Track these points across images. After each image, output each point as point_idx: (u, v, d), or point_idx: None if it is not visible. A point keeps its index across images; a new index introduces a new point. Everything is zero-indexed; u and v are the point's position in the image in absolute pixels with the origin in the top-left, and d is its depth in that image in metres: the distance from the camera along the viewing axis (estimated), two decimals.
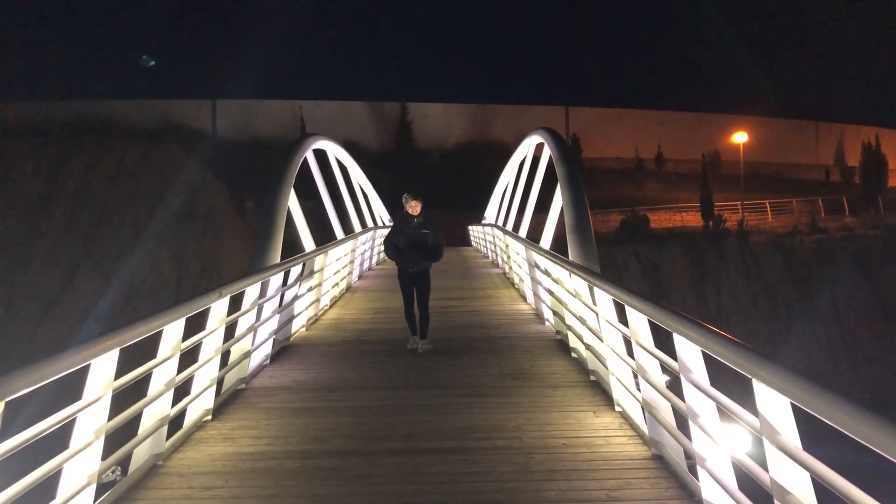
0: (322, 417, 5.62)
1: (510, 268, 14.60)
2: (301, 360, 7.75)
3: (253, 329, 6.78)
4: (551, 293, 8.86)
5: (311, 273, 10.02)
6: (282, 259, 8.40)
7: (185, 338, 4.96)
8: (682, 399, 3.98)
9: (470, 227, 28.99)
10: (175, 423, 4.92)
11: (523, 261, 11.71)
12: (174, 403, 4.88)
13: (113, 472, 4.21)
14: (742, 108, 59.97)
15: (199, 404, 5.49)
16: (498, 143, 50.55)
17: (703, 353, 3.73)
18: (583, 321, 6.79)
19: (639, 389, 4.98)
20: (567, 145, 11.74)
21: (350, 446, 4.93)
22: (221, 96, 52.64)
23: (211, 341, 5.66)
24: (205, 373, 5.50)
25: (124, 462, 4.29)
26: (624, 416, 5.39)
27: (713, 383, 3.76)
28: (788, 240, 35.33)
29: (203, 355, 5.57)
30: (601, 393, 6.08)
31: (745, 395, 3.26)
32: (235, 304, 6.28)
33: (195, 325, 5.33)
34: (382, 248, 20.18)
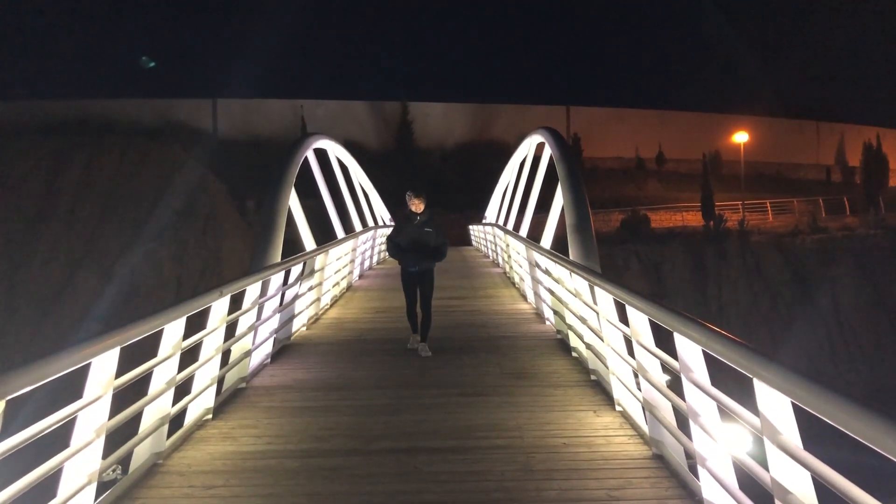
0: (323, 416, 5.62)
1: (511, 267, 14.60)
2: (302, 359, 7.75)
3: (253, 328, 6.78)
4: (552, 292, 8.86)
5: (312, 272, 10.02)
6: (282, 258, 8.40)
7: (185, 337, 4.96)
8: (683, 398, 3.98)
9: (470, 227, 29.00)
10: (176, 421, 4.92)
11: (524, 260, 11.71)
12: (175, 402, 4.88)
13: (113, 470, 4.21)
14: (743, 107, 59.97)
15: (200, 403, 5.49)
16: (499, 143, 50.55)
17: (704, 352, 3.73)
18: (583, 320, 6.79)
19: (639, 389, 4.98)
20: (568, 145, 11.74)
21: (350, 445, 4.93)
22: (222, 95, 52.68)
23: (211, 340, 5.66)
24: (205, 372, 5.50)
25: (125, 461, 4.29)
26: (624, 415, 5.39)
27: (714, 383, 3.76)
28: (789, 240, 35.32)
29: (204, 354, 5.57)
30: (602, 392, 6.08)
31: (745, 395, 3.26)
32: (236, 303, 6.28)
33: (196, 324, 5.33)
34: (383, 247, 20.28)
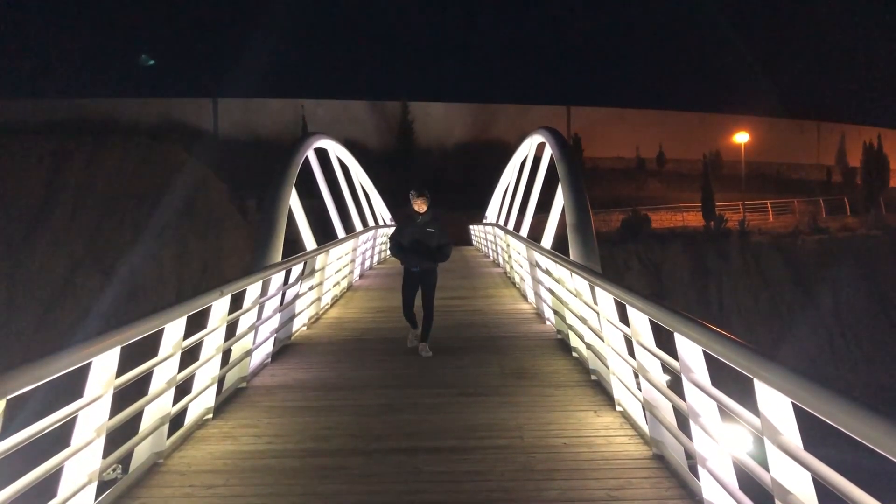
0: (323, 416, 5.62)
1: (511, 267, 14.60)
2: (302, 358, 7.75)
3: (254, 328, 6.78)
4: (552, 293, 8.85)
5: (313, 272, 10.02)
6: (283, 258, 8.40)
7: (186, 336, 4.96)
8: (683, 399, 3.98)
9: (471, 227, 28.99)
10: (176, 421, 4.92)
11: (524, 260, 11.71)
12: (175, 402, 4.88)
13: (114, 470, 4.21)
14: (743, 107, 60.00)
15: (200, 403, 5.49)
16: (499, 143, 50.57)
17: (704, 352, 3.73)
18: (584, 320, 6.78)
19: (640, 389, 4.98)
20: (568, 145, 11.74)
21: (351, 445, 4.93)
22: (223, 95, 52.69)
23: (212, 340, 5.66)
24: (206, 371, 5.50)
25: (125, 460, 4.29)
26: (625, 415, 5.39)
27: (714, 383, 3.76)
28: (790, 240, 35.32)
29: (204, 354, 5.57)
30: (602, 392, 6.08)
31: (746, 395, 3.26)
32: (236, 302, 6.28)
33: (196, 323, 5.33)
34: (384, 246, 20.28)
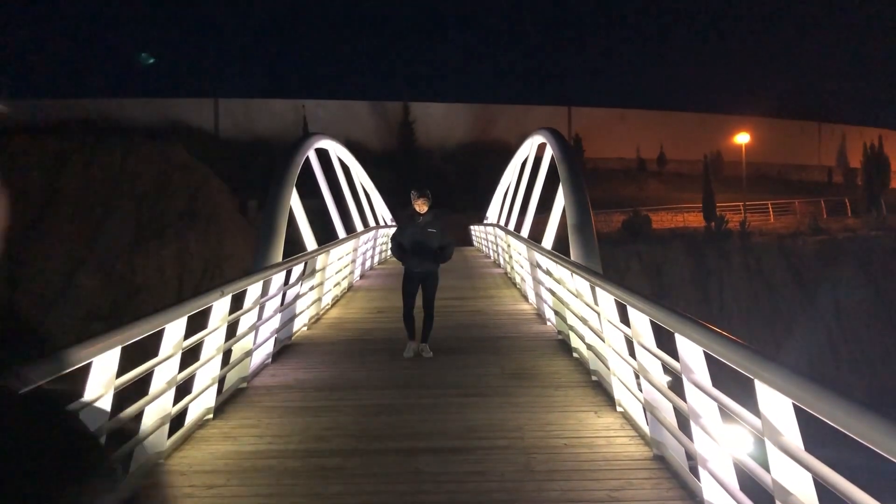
0: (323, 416, 5.62)
1: (512, 267, 14.60)
2: (302, 359, 7.75)
3: (255, 328, 6.78)
4: (553, 293, 8.85)
5: (313, 272, 10.02)
6: (284, 258, 8.40)
7: (186, 336, 4.96)
8: (684, 399, 3.98)
9: (472, 227, 28.99)
10: (176, 421, 4.92)
11: (525, 261, 11.71)
12: (176, 402, 4.88)
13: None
14: (744, 108, 60.08)
15: (201, 403, 5.49)
16: (500, 143, 50.53)
17: (705, 353, 3.72)
18: (584, 321, 6.78)
19: (640, 390, 4.97)
20: (569, 145, 11.74)
21: (351, 445, 4.93)
22: (224, 95, 52.72)
23: (212, 340, 5.66)
24: (206, 371, 5.50)
25: (126, 460, 4.29)
26: (625, 416, 5.38)
27: (715, 384, 3.76)
28: (790, 241, 35.32)
29: (205, 354, 5.57)
30: (603, 393, 6.07)
31: (746, 396, 3.25)
32: (237, 302, 6.28)
33: (197, 323, 5.33)
34: (384, 247, 20.28)
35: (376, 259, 19.29)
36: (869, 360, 30.57)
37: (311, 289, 9.89)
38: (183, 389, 5.02)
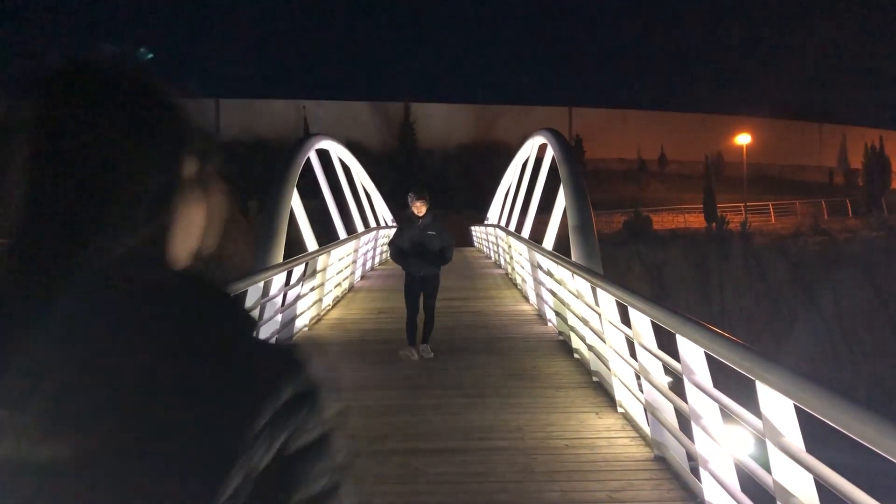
0: None
1: (512, 268, 14.60)
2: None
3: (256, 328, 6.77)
4: (554, 294, 8.85)
5: (314, 273, 10.02)
6: (284, 259, 8.39)
7: None
8: (685, 400, 3.97)
9: (472, 228, 29.00)
10: None
11: (526, 261, 11.71)
12: None
13: None
14: (745, 109, 60.11)
15: None
16: (501, 144, 50.57)
17: (706, 354, 3.72)
18: (585, 322, 6.78)
19: (641, 391, 4.97)
20: (570, 146, 11.74)
21: (351, 446, 4.91)
22: (224, 95, 52.76)
23: None
24: None
25: None
26: (626, 417, 5.38)
27: (716, 385, 3.75)
28: (791, 241, 35.33)
29: None
30: (603, 394, 6.07)
31: (747, 397, 3.25)
32: None
33: None
34: (385, 247, 20.27)
35: (377, 260, 19.29)
36: (870, 361, 30.55)
37: (312, 289, 9.88)
38: None
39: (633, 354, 5.11)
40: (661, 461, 4.48)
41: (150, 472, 0.64)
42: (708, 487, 3.69)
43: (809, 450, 2.77)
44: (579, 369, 7.01)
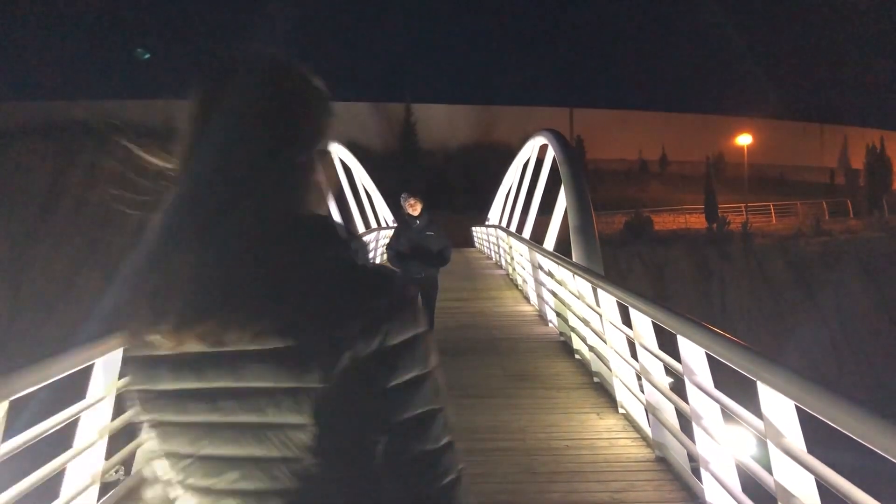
0: None
1: (513, 269, 14.60)
2: None
3: None
4: (555, 295, 8.84)
5: None
6: None
7: None
8: (686, 401, 3.97)
9: (473, 228, 28.99)
10: None
11: (527, 262, 11.71)
12: None
13: (116, 471, 4.21)
14: (746, 109, 60.07)
15: None
16: (502, 145, 50.55)
17: (707, 355, 3.72)
18: (586, 323, 6.78)
19: (642, 391, 4.97)
20: (571, 147, 11.73)
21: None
22: None
23: None
24: None
25: (128, 461, 4.29)
26: (627, 418, 5.38)
27: (717, 385, 3.75)
28: (792, 242, 35.29)
29: None
30: (605, 395, 6.07)
31: (748, 398, 3.25)
32: None
33: None
34: (385, 254, 20.23)
35: (377, 261, 19.29)
36: (871, 361, 30.52)
37: None
38: None
39: (634, 355, 5.11)
40: (663, 462, 4.47)
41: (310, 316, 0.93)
42: (709, 488, 3.69)
43: (810, 450, 2.77)
44: (580, 370, 7.01)
